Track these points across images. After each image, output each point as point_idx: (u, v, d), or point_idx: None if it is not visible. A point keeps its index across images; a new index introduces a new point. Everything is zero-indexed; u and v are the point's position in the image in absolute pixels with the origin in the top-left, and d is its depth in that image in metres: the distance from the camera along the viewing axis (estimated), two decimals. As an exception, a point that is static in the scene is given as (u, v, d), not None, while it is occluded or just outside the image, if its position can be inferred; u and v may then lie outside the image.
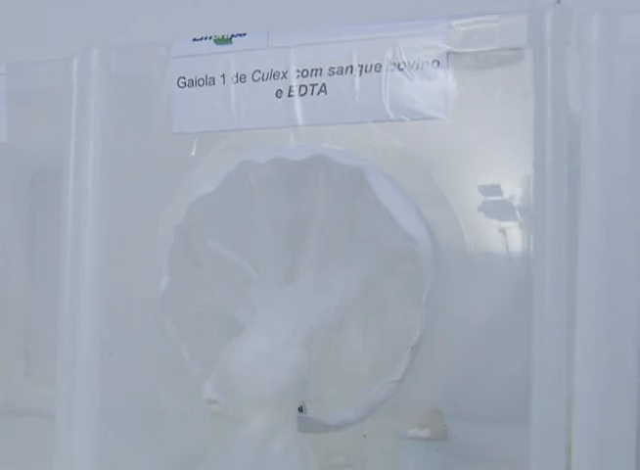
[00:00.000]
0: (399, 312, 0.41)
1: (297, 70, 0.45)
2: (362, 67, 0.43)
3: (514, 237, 0.43)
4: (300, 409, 0.40)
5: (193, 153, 0.47)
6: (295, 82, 0.45)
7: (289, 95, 0.45)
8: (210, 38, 0.47)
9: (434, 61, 0.42)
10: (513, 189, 0.44)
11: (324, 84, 0.44)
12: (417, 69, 0.42)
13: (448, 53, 0.42)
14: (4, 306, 0.54)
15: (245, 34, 0.46)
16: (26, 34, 0.66)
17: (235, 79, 0.46)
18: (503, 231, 0.43)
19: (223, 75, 0.46)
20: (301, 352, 0.39)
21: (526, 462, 0.40)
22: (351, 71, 0.44)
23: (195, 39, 0.47)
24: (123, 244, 0.48)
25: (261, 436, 0.38)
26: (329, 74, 0.44)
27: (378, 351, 0.41)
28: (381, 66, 0.43)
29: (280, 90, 0.45)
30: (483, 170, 0.44)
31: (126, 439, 0.47)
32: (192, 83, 0.47)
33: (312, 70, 0.44)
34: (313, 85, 0.44)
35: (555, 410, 0.39)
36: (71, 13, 0.65)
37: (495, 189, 0.43)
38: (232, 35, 0.46)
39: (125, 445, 0.47)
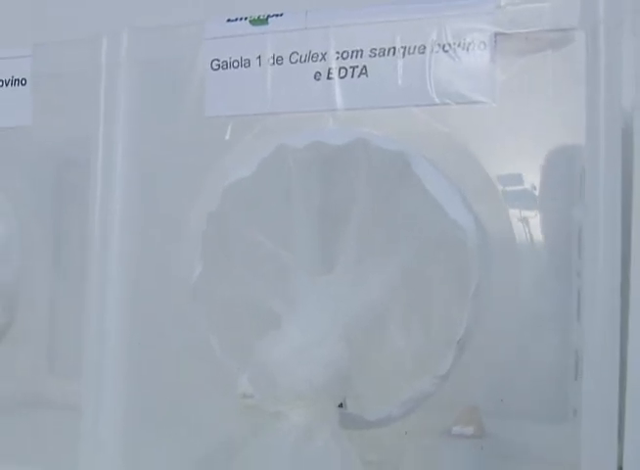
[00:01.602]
0: (444, 304, 0.39)
1: (337, 52, 0.43)
2: (405, 48, 0.42)
3: (563, 227, 0.42)
4: (341, 405, 0.39)
5: (227, 137, 0.45)
6: (334, 64, 0.43)
7: (328, 77, 0.43)
8: (246, 19, 0.45)
9: (480, 42, 0.41)
10: (563, 178, 0.42)
11: (365, 66, 0.42)
12: (463, 50, 0.41)
13: (496, 34, 0.40)
14: (27, 299, 0.53)
15: (282, 15, 0.44)
16: (52, 15, 0.64)
17: (271, 61, 0.44)
18: (552, 221, 0.42)
19: (259, 57, 0.44)
20: (339, 347, 0.37)
21: (570, 460, 0.38)
22: (394, 53, 0.42)
23: (229, 20, 0.45)
24: (153, 231, 0.46)
25: (300, 432, 0.36)
26: (370, 56, 0.42)
27: (421, 344, 0.39)
28: (425, 47, 0.41)
29: (319, 72, 0.43)
30: (531, 158, 0.42)
31: (153, 431, 0.45)
32: (226, 65, 0.45)
33: (353, 52, 0.43)
34: (353, 67, 0.42)
35: (607, 406, 0.38)
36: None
37: (544, 178, 0.41)
38: (268, 16, 0.44)
39: (152, 437, 0.45)
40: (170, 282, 0.45)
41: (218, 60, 0.45)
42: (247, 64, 0.45)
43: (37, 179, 0.52)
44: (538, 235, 0.42)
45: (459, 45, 0.41)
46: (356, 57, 0.42)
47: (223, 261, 0.42)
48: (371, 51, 0.42)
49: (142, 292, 0.46)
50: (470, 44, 0.41)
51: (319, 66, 0.43)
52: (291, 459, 0.36)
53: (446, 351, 0.38)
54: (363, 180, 0.40)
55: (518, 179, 0.42)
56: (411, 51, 0.42)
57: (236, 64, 0.45)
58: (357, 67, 0.42)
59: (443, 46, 0.41)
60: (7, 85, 0.51)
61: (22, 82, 0.51)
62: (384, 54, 0.42)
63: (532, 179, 0.42)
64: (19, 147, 0.51)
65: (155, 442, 0.45)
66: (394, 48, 0.42)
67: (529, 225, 0.42)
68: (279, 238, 0.41)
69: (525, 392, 0.45)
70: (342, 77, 0.43)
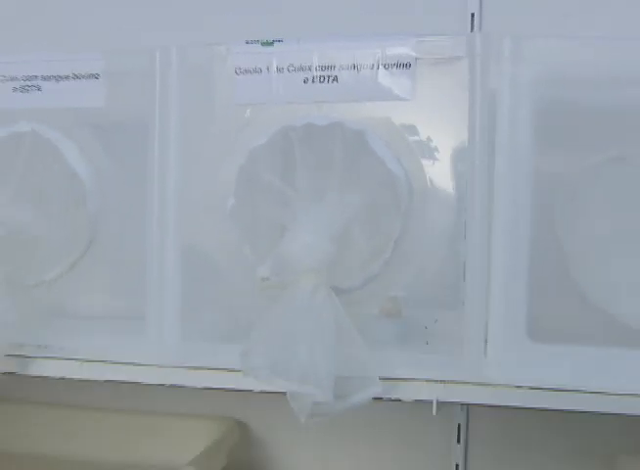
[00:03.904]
0: (387, 220, 0.66)
1: (318, 66, 0.69)
2: (361, 65, 0.68)
3: (456, 177, 0.69)
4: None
5: (247, 116, 0.71)
6: (316, 73, 0.69)
7: (312, 82, 0.69)
8: (258, 41, 0.70)
9: (407, 63, 0.68)
10: (456, 145, 0.69)
11: (336, 76, 0.69)
12: (396, 67, 0.68)
13: (416, 58, 0.67)
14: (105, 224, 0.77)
15: (282, 40, 0.70)
16: (113, 28, 0.88)
17: (275, 70, 0.70)
18: (449, 174, 0.69)
19: (267, 67, 0.70)
20: (332, 242, 0.64)
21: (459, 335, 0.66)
22: (354, 68, 0.68)
23: (247, 42, 0.71)
24: (199, 178, 0.72)
25: (307, 293, 0.63)
26: (339, 69, 0.69)
27: (374, 243, 0.66)
28: (373, 65, 0.68)
29: (307, 78, 0.69)
30: (438, 133, 0.69)
31: (207, 308, 0.72)
32: (245, 72, 0.71)
33: (328, 66, 0.69)
34: (329, 76, 0.69)
35: (480, 295, 0.66)
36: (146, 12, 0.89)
37: (444, 145, 0.69)
38: (273, 40, 0.70)
39: (205, 314, 0.72)
40: (212, 209, 0.71)
41: (240, 68, 0.71)
42: (259, 71, 0.70)
43: (112, 143, 0.76)
44: (440, 182, 0.70)
45: (394, 64, 0.68)
46: (330, 70, 0.69)
47: (250, 196, 0.69)
48: (339, 66, 0.69)
49: (190, 216, 0.72)
50: (400, 64, 0.68)
51: (307, 74, 0.69)
52: (302, 311, 0.63)
53: (388, 245, 0.66)
54: (340, 147, 0.66)
55: (427, 146, 0.69)
56: (364, 67, 0.68)
57: (252, 71, 0.70)
58: (331, 76, 0.69)
59: (384, 65, 0.68)
60: (83, 78, 0.75)
61: (96, 76, 0.75)
62: (348, 68, 0.68)
63: (436, 146, 0.70)
64: (97, 120, 0.76)
65: (205, 316, 0.71)
66: (354, 64, 0.68)
67: (433, 175, 0.69)
68: (287, 181, 0.67)
69: (431, 287, 0.72)
70: (321, 82, 0.69)
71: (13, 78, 0.77)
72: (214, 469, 0.88)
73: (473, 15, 0.93)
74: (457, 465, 0.97)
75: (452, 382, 0.66)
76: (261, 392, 0.68)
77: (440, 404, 0.68)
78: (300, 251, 0.63)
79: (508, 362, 0.65)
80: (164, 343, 0.72)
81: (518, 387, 0.65)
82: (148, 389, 0.90)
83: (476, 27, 0.90)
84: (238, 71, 0.71)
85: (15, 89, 0.77)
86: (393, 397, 0.67)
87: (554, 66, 0.67)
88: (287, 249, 0.64)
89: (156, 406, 1.01)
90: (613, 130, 0.67)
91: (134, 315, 0.73)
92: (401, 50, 0.68)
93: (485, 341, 0.66)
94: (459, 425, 0.96)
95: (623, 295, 0.67)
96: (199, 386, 0.72)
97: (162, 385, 0.73)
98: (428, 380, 0.67)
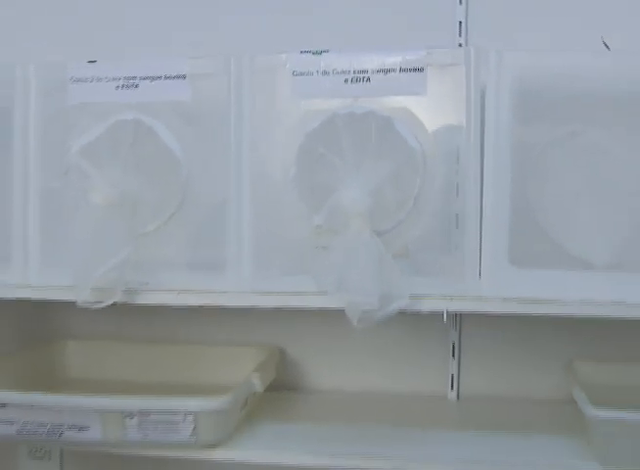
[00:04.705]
0: (408, 182, 0.92)
1: (355, 70, 0.94)
2: (387, 69, 0.94)
3: (457, 149, 0.95)
4: (367, 224, 0.91)
5: (302, 106, 0.96)
6: (354, 76, 0.94)
7: (351, 82, 0.94)
8: (309, 51, 0.95)
9: (421, 67, 0.93)
10: (456, 126, 0.95)
11: (369, 77, 0.94)
12: (413, 71, 0.93)
13: (427, 64, 0.93)
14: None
15: (328, 51, 0.95)
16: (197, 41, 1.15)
17: (323, 72, 0.95)
18: (452, 147, 0.95)
19: (317, 70, 0.95)
20: (369, 196, 0.89)
21: (454, 272, 0.93)
22: (382, 71, 0.94)
23: (302, 51, 0.96)
24: (266, 153, 0.97)
25: (356, 233, 0.89)
26: (371, 73, 0.94)
27: (400, 198, 0.92)
28: (396, 69, 0.94)
29: (347, 79, 0.95)
30: (443, 118, 0.95)
31: (273, 250, 0.97)
32: (300, 73, 0.96)
33: (363, 70, 0.94)
34: (363, 77, 0.94)
35: (475, 235, 0.92)
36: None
37: (448, 126, 0.95)
38: (322, 51, 0.95)
39: (273, 253, 0.97)
40: (277, 177, 0.96)
41: (296, 71, 0.96)
42: (311, 74, 0.95)
43: (197, 127, 1.01)
44: (445, 153, 0.95)
45: (411, 69, 0.93)
46: (364, 73, 0.94)
47: (307, 165, 0.94)
48: (371, 70, 0.94)
49: (261, 184, 0.97)
50: (416, 68, 0.93)
51: (347, 76, 0.94)
52: (353, 247, 0.89)
53: (409, 200, 0.92)
54: (373, 129, 0.92)
55: (436, 127, 0.95)
56: (389, 71, 0.94)
57: (306, 73, 0.95)
58: (365, 77, 0.94)
59: (404, 69, 0.93)
60: (173, 78, 1.00)
61: (183, 77, 0.99)
62: (378, 72, 0.94)
63: (442, 127, 0.95)
64: (184, 111, 1.00)
65: (273, 255, 0.97)
66: (382, 69, 0.94)
67: (440, 148, 0.95)
68: (335, 154, 0.92)
69: (429, 234, 0.98)
70: (357, 82, 0.94)
71: (115, 78, 1.01)
72: (267, 379, 1.14)
73: (460, 23, 1.20)
74: (452, 375, 1.24)
75: (457, 297, 0.92)
76: (319, 308, 0.94)
77: (441, 319, 0.94)
78: (348, 203, 0.89)
79: (496, 282, 0.92)
80: (241, 274, 0.98)
81: (504, 299, 0.91)
82: (211, 326, 1.19)
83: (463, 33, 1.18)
84: (295, 74, 0.96)
85: (117, 87, 1.01)
86: (415, 309, 0.92)
87: (526, 68, 0.92)
88: (337, 202, 0.90)
89: (217, 338, 1.31)
90: (571, 112, 0.93)
91: (217, 258, 0.99)
92: (416, 58, 0.93)
93: (480, 267, 0.92)
94: (453, 343, 1.23)
95: (576, 233, 0.94)
96: (269, 306, 0.97)
97: (240, 307, 0.98)
98: (439, 297, 0.93)
